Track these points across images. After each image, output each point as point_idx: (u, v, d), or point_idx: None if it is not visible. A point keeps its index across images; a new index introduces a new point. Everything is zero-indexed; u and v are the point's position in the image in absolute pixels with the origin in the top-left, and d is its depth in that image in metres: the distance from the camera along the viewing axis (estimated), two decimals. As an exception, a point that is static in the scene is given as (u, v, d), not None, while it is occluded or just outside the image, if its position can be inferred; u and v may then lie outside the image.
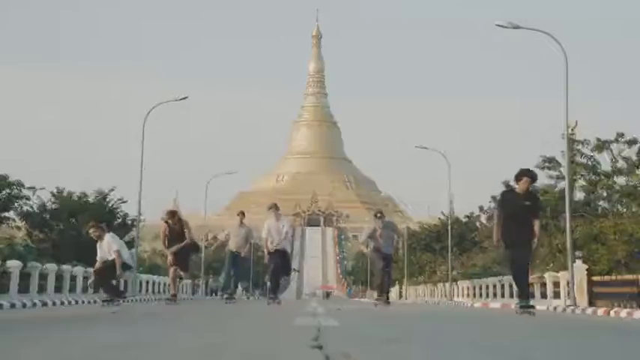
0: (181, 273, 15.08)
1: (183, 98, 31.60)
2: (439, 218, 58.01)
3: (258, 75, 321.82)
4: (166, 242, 15.01)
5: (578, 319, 11.30)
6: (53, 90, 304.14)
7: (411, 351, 3.71)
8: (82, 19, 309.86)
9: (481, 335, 5.29)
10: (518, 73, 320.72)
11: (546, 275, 26.44)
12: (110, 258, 13.54)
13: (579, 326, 7.66)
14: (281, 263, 15.83)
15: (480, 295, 35.38)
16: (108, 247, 13.54)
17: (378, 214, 15.77)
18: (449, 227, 43.15)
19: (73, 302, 18.22)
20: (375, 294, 15.50)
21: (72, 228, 31.86)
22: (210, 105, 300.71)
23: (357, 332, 5.06)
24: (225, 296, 17.30)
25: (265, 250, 15.66)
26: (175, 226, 14.79)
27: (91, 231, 13.74)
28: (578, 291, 22.11)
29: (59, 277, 22.64)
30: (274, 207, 15.98)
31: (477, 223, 47.87)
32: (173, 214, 14.96)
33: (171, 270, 14.77)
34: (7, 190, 27.30)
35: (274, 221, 15.68)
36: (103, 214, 31.19)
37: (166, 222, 14.83)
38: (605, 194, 26.86)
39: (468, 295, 38.68)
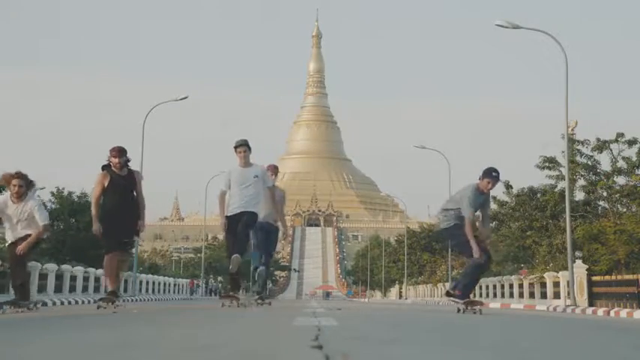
0: (123, 258, 9.86)
1: (183, 98, 31.71)
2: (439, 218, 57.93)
3: (259, 75, 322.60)
4: (99, 201, 9.62)
5: (578, 319, 11.29)
6: (53, 90, 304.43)
7: (411, 351, 3.70)
8: (82, 19, 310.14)
9: (481, 335, 5.29)
10: (518, 73, 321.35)
11: (546, 275, 26.46)
12: (24, 232, 9.33)
13: (579, 326, 7.65)
14: (244, 235, 10.08)
15: (480, 295, 35.38)
16: (30, 212, 9.34)
17: (494, 173, 9.86)
18: (449, 227, 43.11)
19: (73, 302, 18.23)
20: (457, 292, 10.00)
21: (72, 228, 31.93)
22: (210, 105, 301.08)
23: (357, 332, 5.06)
24: (256, 297, 11.19)
25: (221, 217, 10.22)
26: (121, 175, 9.53)
27: (14, 182, 9.22)
28: (578, 291, 22.13)
29: (59, 277, 22.66)
30: (243, 144, 10.23)
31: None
32: (122, 152, 9.51)
33: (107, 258, 9.56)
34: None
35: (240, 167, 10.27)
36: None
37: (107, 168, 9.55)
38: (605, 194, 26.87)
39: (468, 295, 38.67)
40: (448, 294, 10.25)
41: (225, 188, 10.24)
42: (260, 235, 11.19)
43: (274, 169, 11.50)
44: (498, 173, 9.90)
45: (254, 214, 10.15)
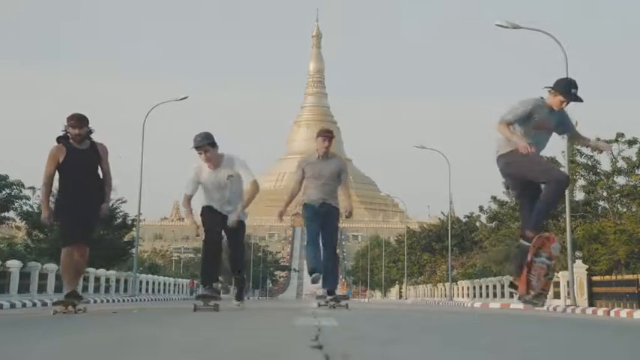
0: (84, 252, 7.95)
1: (183, 98, 31.70)
2: (439, 218, 58.04)
3: (258, 75, 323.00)
4: (51, 181, 7.87)
5: (578, 319, 11.30)
6: (53, 89, 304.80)
7: (411, 351, 3.70)
8: (83, 19, 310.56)
9: (481, 335, 5.29)
10: (518, 73, 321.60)
11: (546, 275, 26.44)
12: None
13: (579, 326, 7.65)
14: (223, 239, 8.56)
15: (480, 295, 35.40)
16: None
17: (574, 89, 6.82)
18: (449, 227, 43.19)
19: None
20: (523, 284, 6.89)
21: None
22: (210, 105, 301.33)
23: (357, 332, 5.05)
24: (322, 293, 9.83)
25: (190, 225, 8.37)
26: (80, 149, 7.80)
27: None
28: (578, 291, 22.15)
29: (59, 277, 22.67)
30: (202, 144, 8.13)
31: (477, 223, 47.92)
32: (82, 121, 7.75)
33: (65, 252, 7.86)
34: (7, 190, 27.35)
35: (208, 169, 8.31)
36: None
37: (63, 139, 7.80)
38: (605, 194, 26.90)
39: (468, 295, 38.70)
40: (523, 238, 7.11)
41: (190, 193, 8.32)
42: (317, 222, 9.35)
43: (326, 134, 9.47)
44: (577, 88, 6.83)
45: (240, 220, 8.64)
